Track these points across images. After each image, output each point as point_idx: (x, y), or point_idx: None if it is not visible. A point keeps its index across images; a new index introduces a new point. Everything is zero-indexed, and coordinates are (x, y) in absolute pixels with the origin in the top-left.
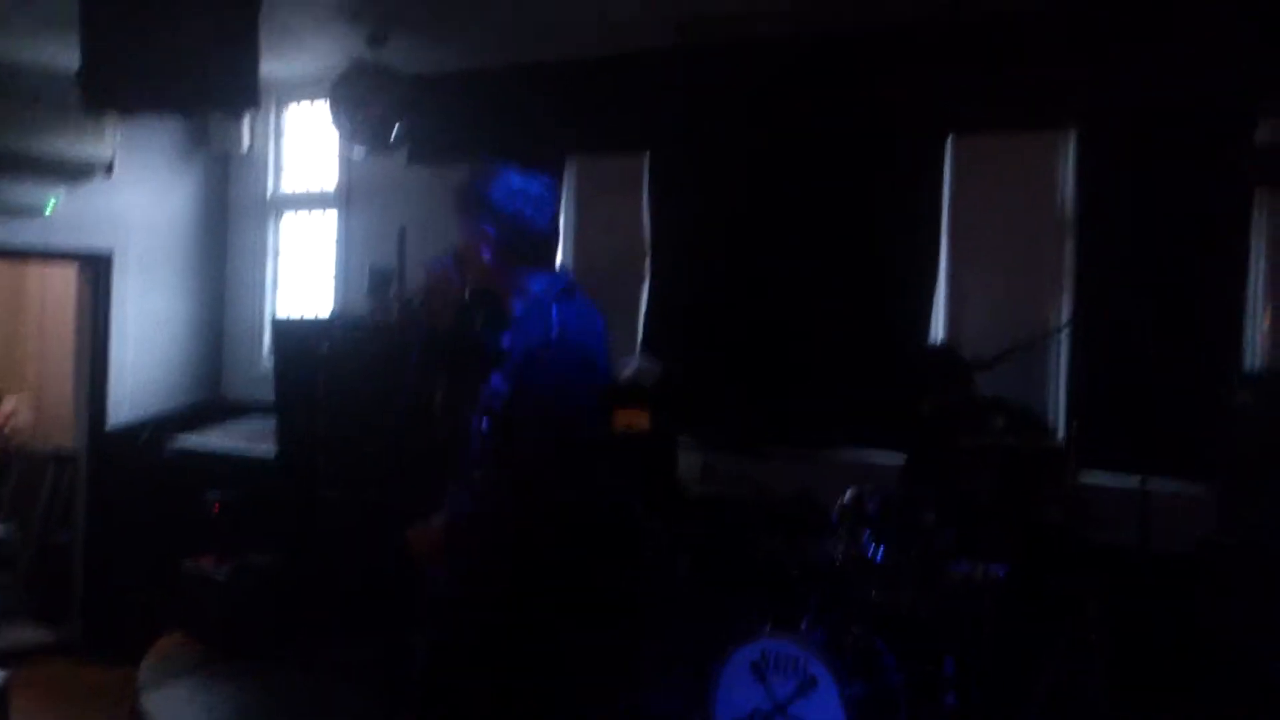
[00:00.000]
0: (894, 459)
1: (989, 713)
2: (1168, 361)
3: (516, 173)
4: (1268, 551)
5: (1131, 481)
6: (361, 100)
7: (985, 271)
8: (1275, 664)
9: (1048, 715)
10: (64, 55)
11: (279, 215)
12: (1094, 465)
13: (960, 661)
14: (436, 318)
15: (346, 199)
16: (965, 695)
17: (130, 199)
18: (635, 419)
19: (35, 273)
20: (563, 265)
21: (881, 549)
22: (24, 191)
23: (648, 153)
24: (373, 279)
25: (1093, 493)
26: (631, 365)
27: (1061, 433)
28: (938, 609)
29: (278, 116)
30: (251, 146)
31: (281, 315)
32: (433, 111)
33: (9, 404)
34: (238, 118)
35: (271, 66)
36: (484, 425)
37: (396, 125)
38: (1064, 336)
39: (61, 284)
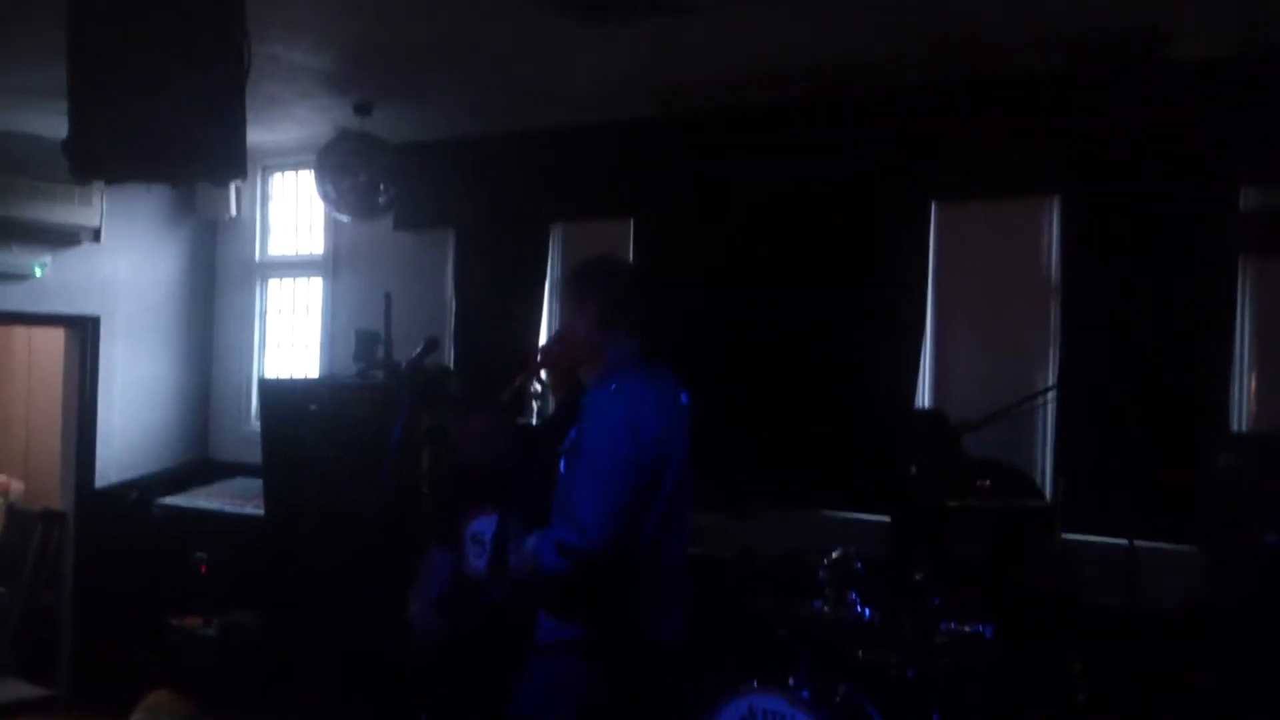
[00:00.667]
0: (881, 519)
1: None
2: (1154, 424)
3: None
4: (1254, 611)
5: (1119, 542)
6: (347, 168)
7: (971, 335)
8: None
9: None
10: (51, 123)
11: (266, 279)
12: (1081, 526)
13: (947, 719)
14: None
15: (333, 264)
16: None
17: (118, 264)
18: None
19: (23, 335)
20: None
21: (869, 608)
22: (12, 256)
23: (633, 218)
24: (359, 342)
25: (1080, 553)
26: None
27: (1049, 494)
28: (925, 668)
29: (264, 183)
30: (238, 212)
31: (269, 376)
32: (418, 178)
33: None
34: (224, 185)
35: (258, 135)
36: None
37: (382, 192)
38: (1050, 399)
39: (50, 346)
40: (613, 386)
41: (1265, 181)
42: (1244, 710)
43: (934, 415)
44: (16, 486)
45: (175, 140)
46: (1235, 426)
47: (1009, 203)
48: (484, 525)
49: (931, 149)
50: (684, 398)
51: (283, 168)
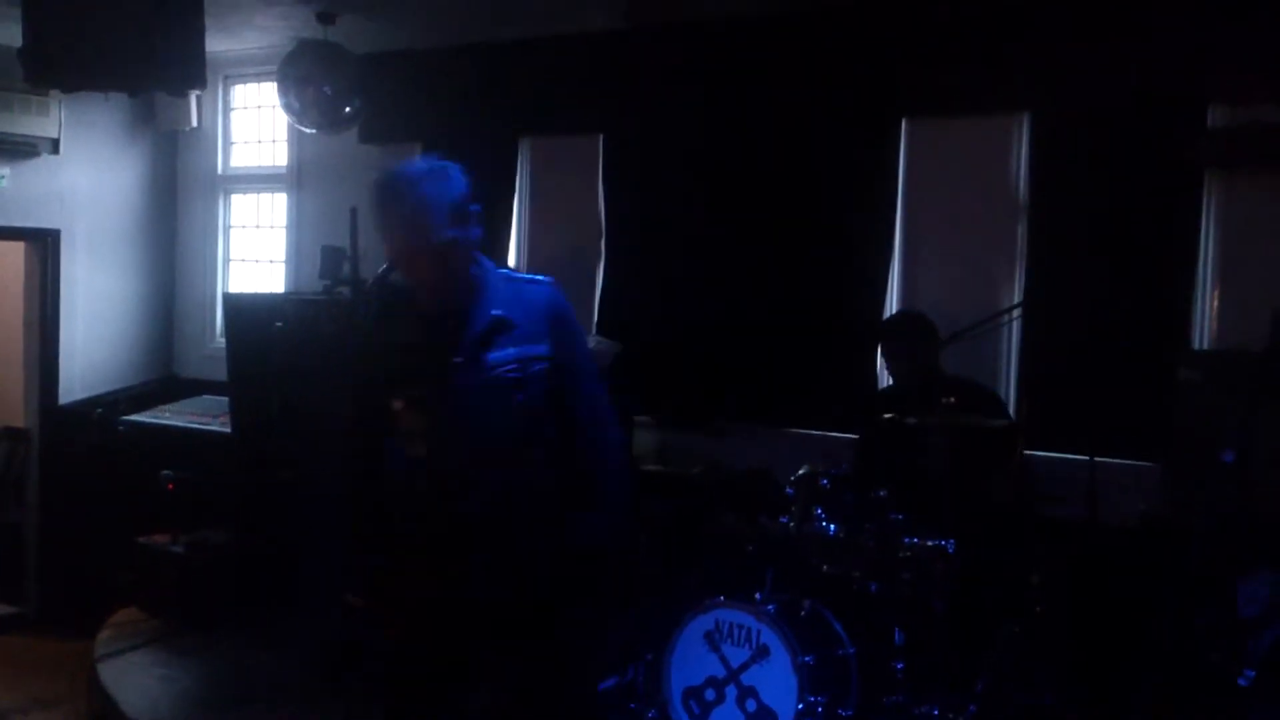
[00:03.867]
0: (847, 436)
1: (938, 680)
2: (1117, 341)
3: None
4: (1209, 526)
5: (1081, 459)
6: (311, 79)
7: (939, 253)
8: (1212, 632)
9: (996, 682)
10: (6, 31)
11: (229, 193)
12: (1044, 443)
13: (910, 632)
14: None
15: (298, 177)
16: (914, 664)
17: (77, 176)
18: None
19: None
20: None
21: (834, 524)
22: None
23: (602, 134)
24: (324, 258)
25: (1042, 470)
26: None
27: (1012, 411)
28: (888, 582)
29: (226, 93)
30: (200, 124)
31: (233, 291)
32: (384, 91)
33: None
34: (183, 96)
35: (219, 43)
36: (520, 397)
37: (347, 104)
38: (1015, 317)
39: (10, 261)
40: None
41: (1233, 99)
42: (1198, 624)
43: (919, 316)
44: None
45: (132, 48)
46: (1197, 344)
47: (979, 121)
48: None
49: (902, 66)
50: None
51: (245, 78)
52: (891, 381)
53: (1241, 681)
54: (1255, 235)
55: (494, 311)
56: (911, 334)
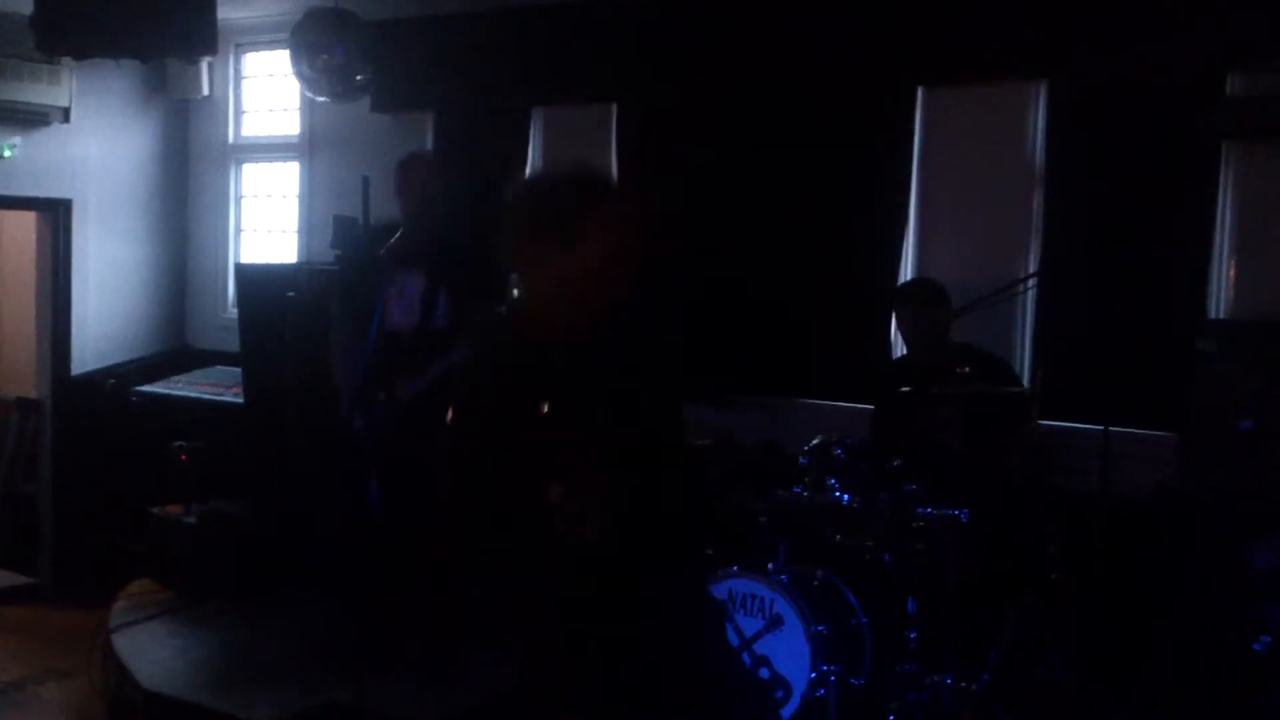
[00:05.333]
0: (862, 407)
1: (951, 650)
2: (1134, 311)
3: None
4: (1224, 496)
5: (1095, 429)
6: (322, 46)
7: (954, 222)
8: (1226, 604)
9: (1010, 652)
10: (16, 0)
11: (240, 162)
12: (1059, 413)
13: (923, 602)
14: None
15: (310, 146)
16: (927, 634)
17: (89, 145)
18: None
19: None
20: None
21: (847, 495)
22: None
23: (616, 103)
24: (337, 228)
25: (1057, 440)
26: None
27: (1027, 381)
28: (901, 552)
29: (238, 61)
30: (211, 92)
31: (246, 261)
32: (396, 58)
33: None
34: (195, 63)
35: (231, 10)
36: None
37: (359, 72)
38: (1031, 286)
39: (21, 231)
40: None
41: (1251, 67)
42: (1212, 596)
43: (930, 281)
44: None
45: (143, 14)
46: (1214, 313)
47: (996, 88)
48: (408, 281)
49: (918, 32)
50: None
51: (257, 46)
52: (905, 350)
53: (1257, 647)
54: (1273, 205)
55: None
56: (926, 300)
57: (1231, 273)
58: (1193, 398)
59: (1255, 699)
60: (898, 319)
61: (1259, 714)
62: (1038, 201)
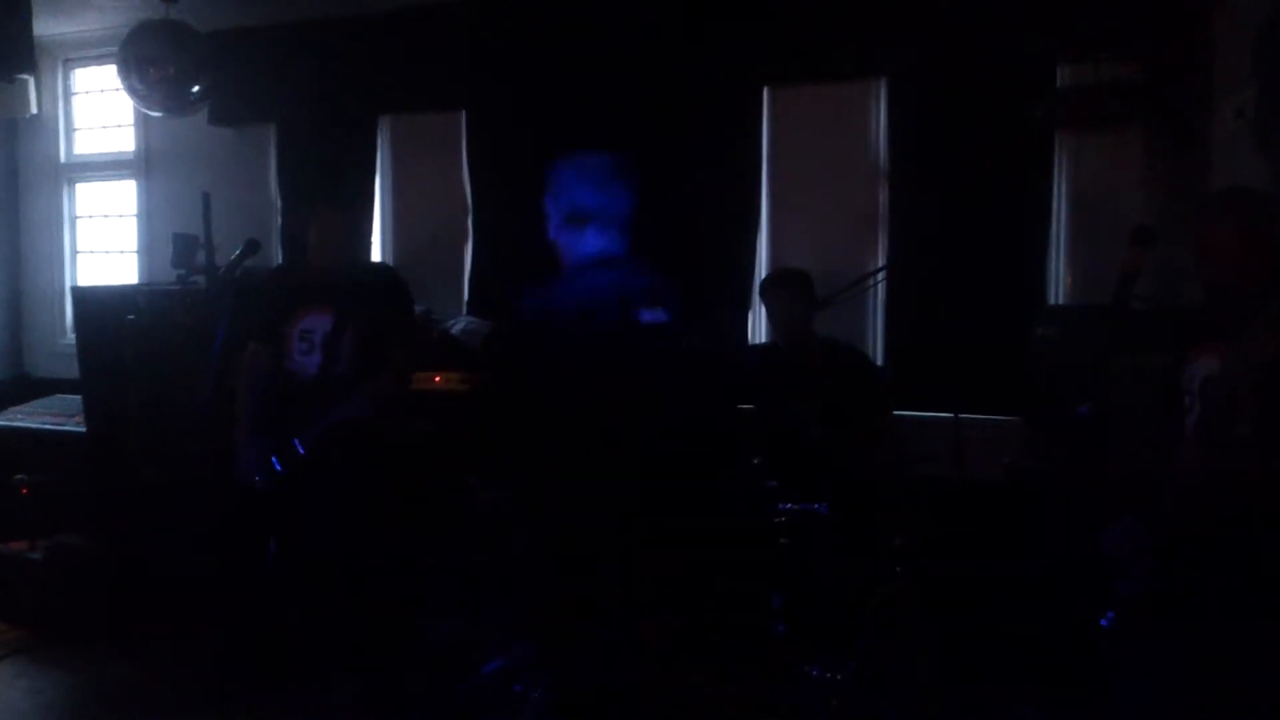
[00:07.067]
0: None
1: (819, 642)
2: (977, 301)
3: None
4: (1066, 478)
5: (947, 416)
6: (153, 59)
7: (805, 219)
8: (1077, 579)
9: (872, 643)
10: None
11: (74, 181)
12: (912, 403)
13: (787, 595)
14: None
15: (146, 163)
16: (794, 626)
17: None
18: (453, 380)
19: None
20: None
21: None
22: None
23: (465, 109)
24: (177, 247)
25: (910, 429)
26: (458, 324)
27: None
28: (766, 548)
29: (66, 77)
30: (39, 110)
31: (83, 284)
32: (234, 70)
33: None
34: (12, 81)
35: (55, 25)
36: None
37: (194, 85)
38: (880, 280)
39: None
40: None
41: (1080, 58)
42: (1055, 574)
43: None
44: None
45: None
46: (1052, 299)
47: (838, 87)
48: (315, 323)
49: (762, 34)
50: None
51: (86, 61)
52: (771, 336)
53: (1103, 622)
54: (1104, 193)
55: None
56: (792, 285)
57: (1067, 259)
58: (1033, 383)
59: (1101, 673)
60: (765, 305)
61: (1105, 687)
62: (883, 196)
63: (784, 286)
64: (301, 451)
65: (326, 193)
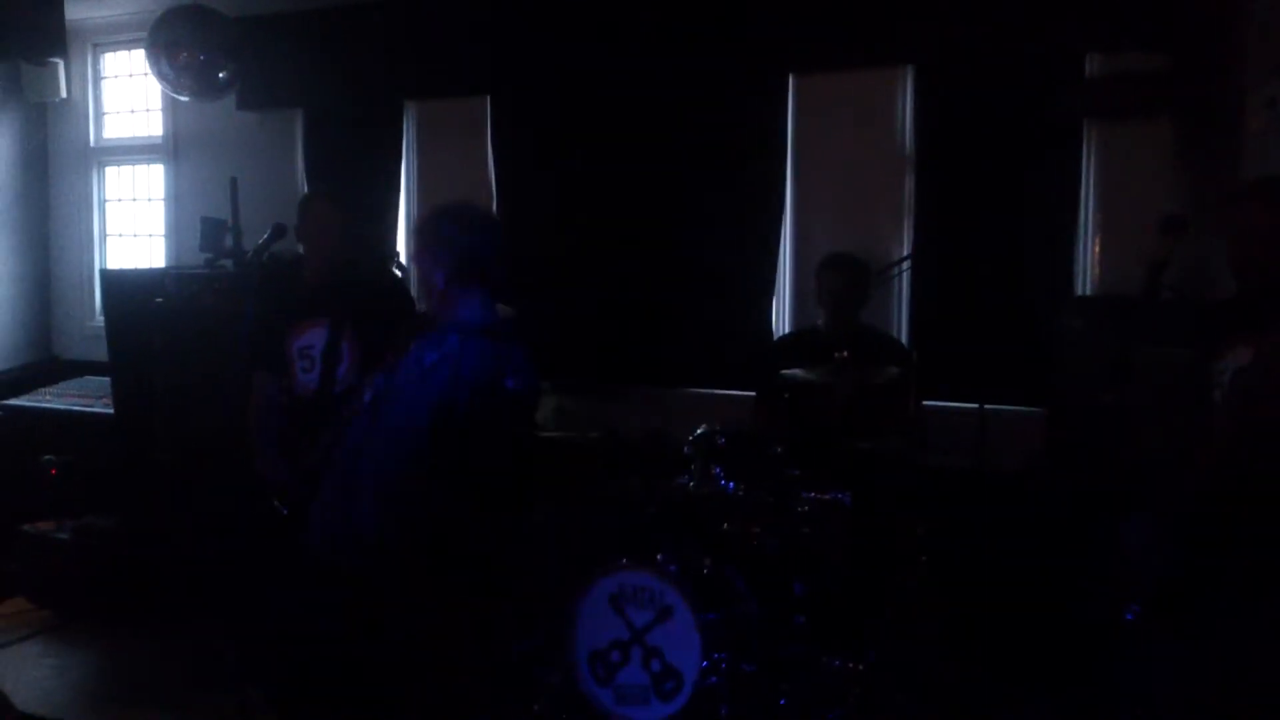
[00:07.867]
0: (746, 394)
1: (839, 631)
2: (1003, 290)
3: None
4: (1087, 468)
5: (971, 407)
6: (182, 44)
7: (830, 208)
8: (1098, 572)
9: (892, 630)
10: None
11: (103, 165)
12: (936, 392)
13: (810, 585)
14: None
15: (174, 148)
16: (815, 616)
17: None
18: None
19: None
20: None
21: (733, 482)
22: None
23: (490, 95)
24: (204, 230)
25: (934, 419)
26: None
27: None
28: (787, 537)
29: (96, 62)
30: (70, 94)
31: (111, 267)
32: (261, 55)
33: None
34: (44, 65)
35: (86, 10)
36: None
37: (222, 70)
38: (905, 269)
39: None
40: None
41: (1109, 47)
42: (1077, 566)
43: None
44: None
45: None
46: (1079, 290)
47: (864, 75)
48: (312, 339)
49: (788, 21)
50: (510, 381)
51: (116, 46)
52: (822, 320)
53: (1128, 616)
54: (1132, 183)
55: None
56: (848, 272)
57: (1095, 250)
58: (1058, 373)
59: (1122, 666)
60: (818, 286)
61: (1126, 680)
62: (909, 185)
63: (840, 272)
64: (285, 513)
65: (317, 184)
